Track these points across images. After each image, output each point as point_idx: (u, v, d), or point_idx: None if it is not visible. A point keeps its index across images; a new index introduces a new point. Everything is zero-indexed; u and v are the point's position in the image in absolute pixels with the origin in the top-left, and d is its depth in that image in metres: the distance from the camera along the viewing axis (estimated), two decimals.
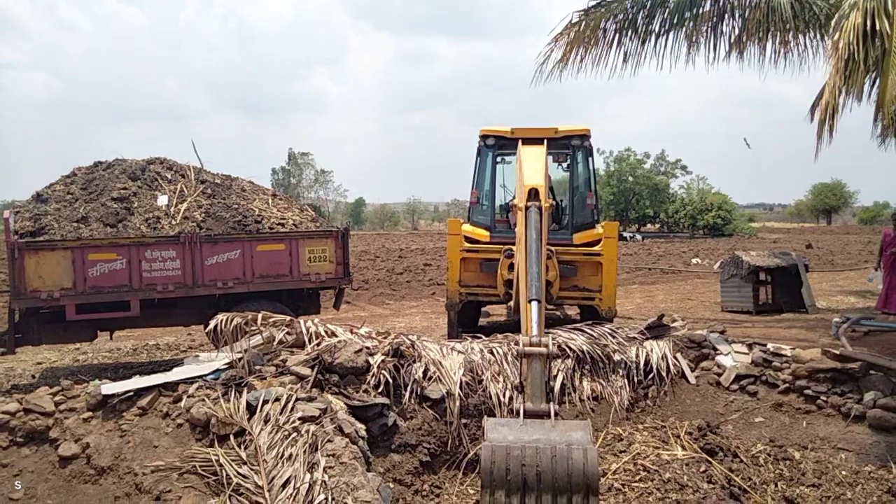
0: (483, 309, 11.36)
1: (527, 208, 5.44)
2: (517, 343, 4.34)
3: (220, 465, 3.82)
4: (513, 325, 8.66)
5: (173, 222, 8.20)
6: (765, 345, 6.64)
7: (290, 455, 3.55)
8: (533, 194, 5.52)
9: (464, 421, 5.42)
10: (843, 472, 4.89)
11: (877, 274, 11.78)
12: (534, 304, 4.64)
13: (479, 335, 6.80)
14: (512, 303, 7.53)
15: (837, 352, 6.14)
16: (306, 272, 8.39)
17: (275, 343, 5.54)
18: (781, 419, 5.85)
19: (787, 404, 5.96)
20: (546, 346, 4.18)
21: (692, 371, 6.74)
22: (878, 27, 6.16)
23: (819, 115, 6.96)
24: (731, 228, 45.33)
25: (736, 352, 6.78)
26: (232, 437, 4.13)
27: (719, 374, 6.56)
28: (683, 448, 5.05)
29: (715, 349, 6.95)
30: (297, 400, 4.41)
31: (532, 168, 5.79)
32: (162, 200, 8.53)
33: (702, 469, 4.75)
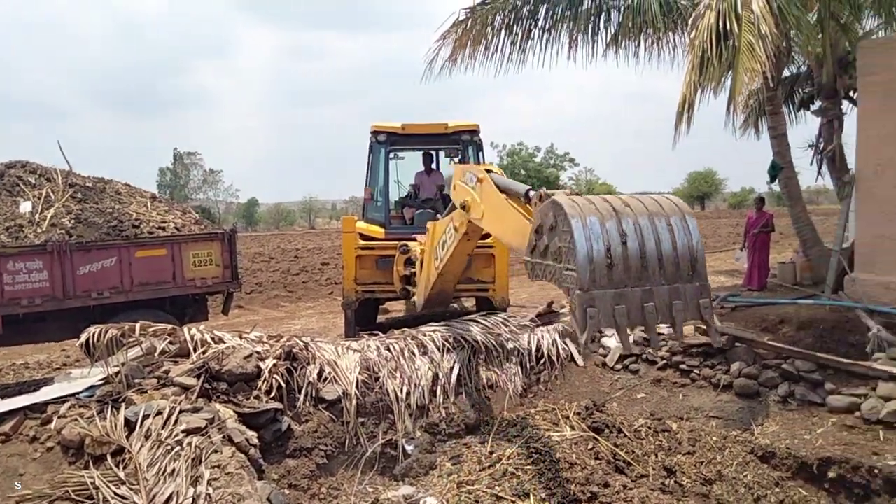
0: (381, 306, 11.33)
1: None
2: (542, 196, 3.96)
3: (97, 488, 3.58)
4: (411, 321, 8.71)
5: (39, 230, 7.54)
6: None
7: (173, 470, 3.38)
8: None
9: (361, 420, 5.39)
10: (714, 438, 5.30)
11: (742, 254, 12.84)
12: (531, 192, 4.49)
13: (377, 333, 6.78)
14: (416, 298, 7.52)
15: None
16: (191, 277, 8.00)
17: (156, 354, 5.26)
18: (661, 393, 6.26)
19: (665, 379, 6.39)
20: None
21: (580, 354, 7.07)
22: (729, 27, 6.71)
23: (678, 108, 7.48)
24: None
25: None
26: (109, 456, 3.88)
27: (605, 356, 6.93)
28: (572, 428, 5.29)
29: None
30: (181, 412, 4.21)
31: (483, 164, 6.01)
32: (25, 207, 7.83)
33: (590, 447, 5.00)
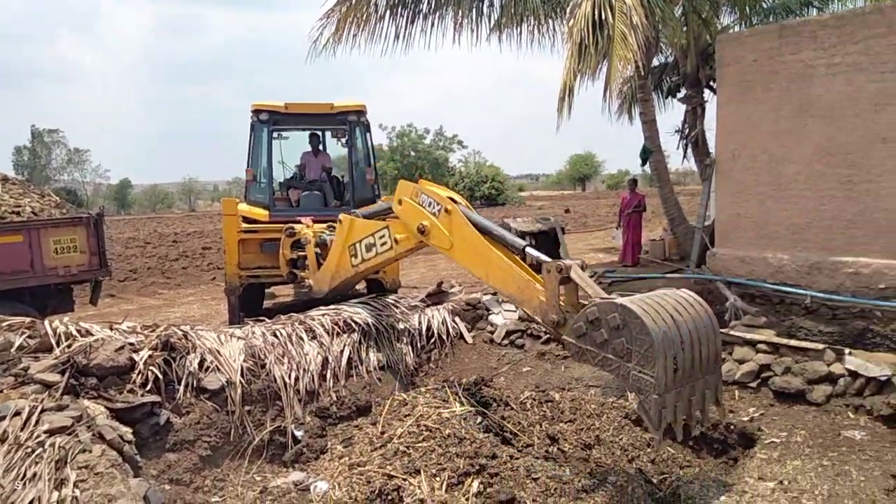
0: (268, 291, 10.99)
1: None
2: (560, 269, 4.17)
3: None
4: (300, 306, 8.51)
5: None
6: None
7: (35, 474, 3.11)
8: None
9: (247, 408, 5.22)
10: (593, 406, 5.62)
11: (617, 233, 13.67)
12: (528, 249, 4.67)
13: (263, 318, 6.58)
14: (314, 284, 7.30)
15: (586, 302, 7.02)
16: (52, 266, 7.35)
17: (13, 350, 4.79)
18: (544, 366, 6.55)
19: (548, 353, 6.69)
20: (578, 259, 4.41)
21: (469, 332, 7.25)
22: (604, 16, 7.05)
23: (559, 94, 7.78)
24: (504, 198, 49.14)
25: (506, 310, 7.43)
26: None
27: (492, 332, 7.15)
28: (462, 404, 5.40)
29: (488, 310, 7.53)
30: (42, 411, 3.87)
31: (438, 188, 5.62)
32: None
33: (478, 421, 5.14)
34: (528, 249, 4.67)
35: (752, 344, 5.86)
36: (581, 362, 3.99)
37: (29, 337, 4.92)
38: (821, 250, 7.15)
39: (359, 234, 6.25)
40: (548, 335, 6.84)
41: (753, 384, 5.57)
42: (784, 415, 5.16)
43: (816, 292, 6.99)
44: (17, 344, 4.79)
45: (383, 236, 5.96)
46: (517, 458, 4.54)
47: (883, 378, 5.02)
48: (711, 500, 3.68)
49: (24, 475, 3.16)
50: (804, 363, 5.43)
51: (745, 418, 5.15)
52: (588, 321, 3.73)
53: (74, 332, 5.00)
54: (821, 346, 5.50)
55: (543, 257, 4.53)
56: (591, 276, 9.44)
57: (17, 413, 3.82)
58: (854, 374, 5.18)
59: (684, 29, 10.35)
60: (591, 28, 7.07)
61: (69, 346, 4.77)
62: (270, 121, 9.08)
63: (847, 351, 5.42)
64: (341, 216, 6.54)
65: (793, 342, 5.73)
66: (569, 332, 3.91)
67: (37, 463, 3.20)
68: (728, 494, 3.75)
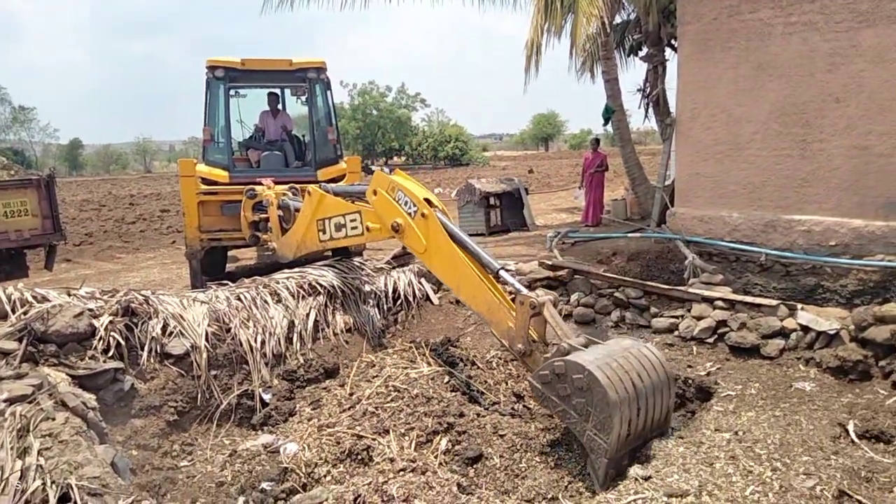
0: (231, 254, 10.82)
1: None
2: (533, 306, 4.21)
3: None
4: (264, 269, 8.41)
5: None
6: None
7: None
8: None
9: (213, 372, 5.18)
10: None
11: (580, 192, 13.79)
12: (502, 272, 4.69)
13: (226, 282, 6.49)
14: (279, 248, 7.18)
15: (550, 262, 7.12)
16: (2, 230, 7.10)
17: None
18: None
19: None
20: (550, 294, 4.47)
21: (435, 293, 7.28)
22: None
23: (525, 51, 7.71)
24: (468, 158, 48.98)
25: None
26: None
27: None
28: (429, 364, 5.47)
29: None
30: (1, 380, 3.78)
31: (415, 185, 5.42)
32: None
33: (445, 380, 5.22)
34: (503, 273, 4.71)
35: (709, 301, 6.04)
36: (541, 406, 4.20)
37: None
38: (775, 209, 7.37)
39: (328, 210, 6.14)
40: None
41: (710, 340, 5.77)
42: (739, 369, 5.37)
43: (771, 250, 7.22)
44: None
45: (354, 220, 5.85)
46: (484, 416, 4.65)
47: (832, 332, 5.25)
48: (671, 451, 3.83)
49: None
50: (759, 318, 5.63)
51: (703, 373, 5.35)
52: (554, 373, 3.89)
53: (30, 299, 4.86)
54: (774, 303, 5.71)
55: (519, 286, 4.55)
56: (554, 237, 9.55)
57: None
58: (805, 329, 5.41)
59: None
60: None
61: (25, 313, 4.64)
62: (227, 77, 8.79)
63: (799, 306, 5.64)
64: (310, 188, 6.41)
65: (748, 298, 5.92)
66: (535, 376, 4.06)
67: None
68: (686, 446, 3.90)
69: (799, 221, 7.10)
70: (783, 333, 5.49)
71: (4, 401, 3.49)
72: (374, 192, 5.46)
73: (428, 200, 5.08)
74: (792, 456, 3.76)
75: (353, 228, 5.91)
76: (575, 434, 3.87)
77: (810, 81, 6.99)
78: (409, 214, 5.10)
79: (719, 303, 5.97)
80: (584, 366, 3.72)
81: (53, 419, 3.38)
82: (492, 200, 13.39)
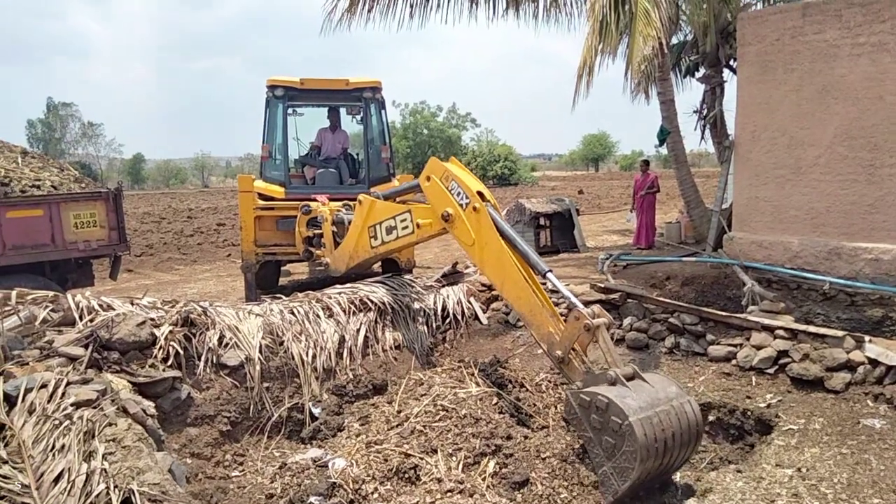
0: (283, 268, 11.05)
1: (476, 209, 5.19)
2: (578, 318, 4.24)
3: None
4: (315, 283, 8.55)
5: None
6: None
7: (63, 446, 3.16)
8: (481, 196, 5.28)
9: (266, 385, 5.28)
10: None
11: (631, 215, 13.57)
12: (549, 275, 4.69)
13: (279, 296, 6.62)
14: (331, 263, 7.32)
15: (602, 285, 7.01)
16: (73, 240, 7.43)
17: (37, 323, 4.85)
18: None
19: None
20: (606, 316, 4.38)
21: (484, 312, 7.25)
22: None
23: (578, 71, 7.68)
24: (517, 178, 48.86)
25: None
26: None
27: (507, 313, 7.14)
28: (477, 384, 5.43)
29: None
30: (68, 384, 3.93)
31: (469, 176, 5.52)
32: None
33: (494, 402, 5.17)
34: (551, 277, 4.69)
35: (769, 330, 5.82)
36: (569, 419, 4.22)
37: (52, 311, 4.98)
38: (840, 236, 7.08)
39: (379, 215, 6.24)
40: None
41: (771, 370, 5.55)
42: (802, 402, 5.14)
43: (835, 278, 6.93)
44: (40, 317, 4.85)
45: (405, 220, 5.93)
46: (531, 439, 4.58)
47: None
48: (729, 485, 3.69)
49: (53, 447, 3.22)
50: (823, 350, 5.39)
51: (762, 404, 5.14)
52: (594, 404, 3.90)
53: (96, 307, 5.06)
54: (840, 334, 5.46)
55: (575, 300, 4.52)
56: (606, 259, 9.40)
57: (44, 385, 3.88)
58: (874, 362, 5.15)
59: (704, 6, 10.16)
60: (612, 4, 6.95)
61: (91, 321, 4.84)
62: (286, 96, 9.05)
63: (867, 338, 5.38)
64: (361, 197, 6.53)
65: (812, 328, 5.69)
66: (574, 395, 4.08)
67: (65, 435, 3.26)
68: (745, 480, 3.75)
69: (865, 249, 6.81)
70: (849, 366, 5.24)
71: (72, 405, 3.63)
72: (428, 179, 5.52)
73: (480, 194, 5.10)
74: (861, 497, 3.58)
75: (403, 228, 5.98)
76: (594, 464, 3.89)
77: (879, 104, 6.73)
78: (461, 206, 5.12)
79: (780, 332, 5.74)
80: (626, 414, 3.69)
81: (116, 425, 3.50)
82: (542, 221, 13.31)
